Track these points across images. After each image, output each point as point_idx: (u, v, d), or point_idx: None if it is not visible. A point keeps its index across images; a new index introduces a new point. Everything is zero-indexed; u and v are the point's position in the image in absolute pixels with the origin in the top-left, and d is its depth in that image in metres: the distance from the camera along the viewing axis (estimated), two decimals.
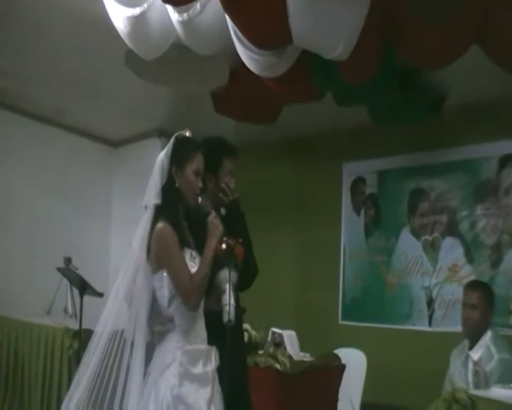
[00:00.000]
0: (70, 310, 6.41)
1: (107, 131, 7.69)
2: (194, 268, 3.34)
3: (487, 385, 4.30)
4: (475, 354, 4.64)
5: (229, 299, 3.48)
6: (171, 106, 6.73)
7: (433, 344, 6.28)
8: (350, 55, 4.27)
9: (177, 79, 5.35)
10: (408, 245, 6.80)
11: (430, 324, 6.54)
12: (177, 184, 3.44)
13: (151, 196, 3.42)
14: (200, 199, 3.49)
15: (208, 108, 5.79)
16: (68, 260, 6.27)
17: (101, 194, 7.78)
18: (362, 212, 7.22)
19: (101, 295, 5.76)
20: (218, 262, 3.45)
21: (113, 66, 5.56)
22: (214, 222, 3.46)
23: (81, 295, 5.96)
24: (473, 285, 5.06)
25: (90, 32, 5.11)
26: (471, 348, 4.71)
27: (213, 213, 3.50)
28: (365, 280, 7.12)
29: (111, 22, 4.56)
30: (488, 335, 4.66)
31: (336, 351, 6.13)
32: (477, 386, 4.47)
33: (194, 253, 3.42)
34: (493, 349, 4.57)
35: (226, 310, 3.49)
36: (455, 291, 6.26)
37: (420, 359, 6.28)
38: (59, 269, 6.19)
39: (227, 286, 3.51)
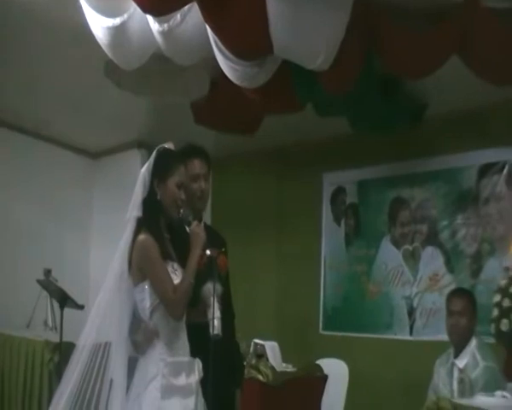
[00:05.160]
0: (50, 323, 6.34)
1: (87, 143, 7.63)
2: (176, 280, 3.32)
3: (472, 393, 4.30)
4: (461, 362, 4.64)
5: (213, 312, 3.47)
6: (151, 117, 6.69)
7: (414, 353, 6.29)
8: (330, 66, 4.29)
9: (157, 89, 5.33)
10: (388, 255, 6.80)
11: (411, 333, 6.54)
12: (158, 197, 3.43)
13: (133, 208, 3.42)
14: (182, 211, 3.48)
15: (189, 119, 5.78)
16: (48, 272, 6.20)
17: (82, 205, 7.72)
18: (342, 222, 7.21)
19: (81, 307, 5.71)
20: (201, 274, 3.43)
21: (93, 77, 5.51)
22: (196, 231, 3.46)
23: (61, 308, 5.89)
24: (457, 293, 5.07)
25: (70, 42, 5.05)
26: (456, 355, 4.71)
27: (195, 222, 3.50)
28: (346, 290, 7.10)
29: (91, 32, 4.53)
30: (473, 343, 4.67)
31: (318, 361, 6.12)
32: (462, 394, 4.48)
33: (175, 265, 3.41)
34: (479, 357, 4.58)
35: (213, 324, 3.48)
36: (436, 300, 6.28)
37: (402, 368, 6.29)
38: (39, 281, 6.12)
39: (211, 299, 3.50)
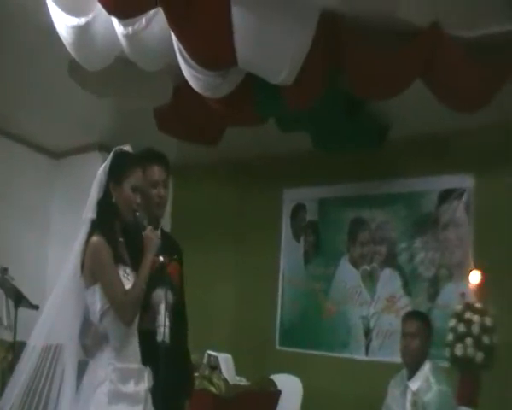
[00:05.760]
0: (5, 321, 6.25)
1: (49, 142, 7.54)
2: (128, 285, 3.30)
3: None
4: (414, 385, 4.65)
5: (163, 320, 3.45)
6: (114, 120, 6.66)
7: (369, 373, 6.30)
8: (294, 81, 4.30)
9: (120, 92, 5.30)
10: (347, 274, 6.83)
11: (367, 353, 6.57)
12: (113, 199, 3.40)
13: (88, 210, 3.39)
14: (137, 215, 3.46)
15: (152, 125, 5.74)
16: (4, 270, 6.12)
17: (41, 205, 7.62)
18: (302, 238, 7.22)
19: (35, 307, 5.65)
20: (152, 280, 3.41)
21: (57, 75, 5.45)
22: (150, 236, 3.43)
23: (16, 307, 5.86)
24: (412, 315, 5.10)
25: (35, 37, 5.01)
26: (410, 378, 4.72)
27: (149, 227, 3.47)
28: (303, 307, 7.10)
29: (56, 30, 4.50)
30: (427, 366, 4.68)
31: (272, 377, 6.12)
32: None
33: (128, 269, 3.38)
34: (432, 380, 4.59)
35: (160, 331, 3.45)
36: (392, 322, 6.30)
37: (356, 387, 6.30)
38: None
39: (162, 307, 3.48)
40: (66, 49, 4.59)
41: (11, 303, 6.02)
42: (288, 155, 6.99)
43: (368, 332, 6.59)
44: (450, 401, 4.54)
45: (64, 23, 4.39)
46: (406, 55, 4.33)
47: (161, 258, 3.46)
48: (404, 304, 6.34)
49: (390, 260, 6.56)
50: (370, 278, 6.66)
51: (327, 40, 4.24)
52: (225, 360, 5.68)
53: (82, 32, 4.38)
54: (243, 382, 5.76)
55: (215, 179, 7.77)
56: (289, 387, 6.08)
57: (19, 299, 5.87)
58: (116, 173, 3.43)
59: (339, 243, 6.91)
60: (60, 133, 7.22)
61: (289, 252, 7.29)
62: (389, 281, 6.54)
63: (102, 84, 5.10)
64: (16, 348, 5.55)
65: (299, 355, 6.93)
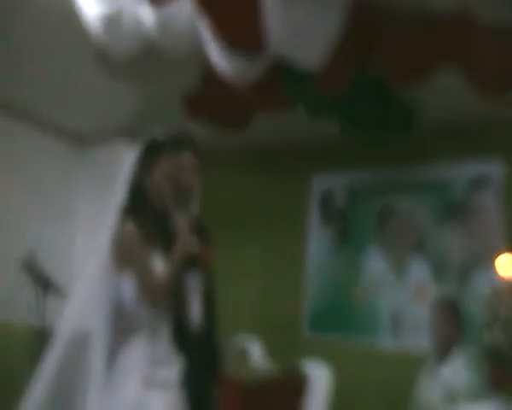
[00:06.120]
0: (34, 308, 6.26)
1: (75, 128, 7.50)
2: (159, 271, 3.29)
3: (456, 402, 4.30)
4: (446, 371, 4.64)
5: (195, 306, 3.45)
6: (140, 106, 6.65)
7: (398, 360, 6.27)
8: (324, 66, 4.27)
9: (147, 80, 5.31)
10: (376, 261, 6.79)
11: (396, 340, 6.53)
12: (144, 187, 3.40)
13: (118, 197, 3.39)
14: (167, 202, 3.45)
15: (179, 111, 5.72)
16: (32, 256, 6.10)
17: (67, 191, 7.58)
18: (330, 225, 7.20)
19: (64, 294, 5.66)
20: (183, 266, 3.39)
21: (83, 63, 5.44)
22: (182, 224, 3.42)
23: (44, 294, 5.87)
24: (443, 303, 5.09)
25: (61, 25, 4.99)
26: (440, 365, 4.71)
27: (180, 215, 3.46)
28: (332, 294, 7.06)
29: (83, 17, 4.51)
30: (458, 352, 4.67)
31: (300, 364, 6.10)
32: (446, 403, 4.48)
33: (159, 255, 3.37)
34: (463, 367, 4.59)
35: (192, 317, 3.46)
36: (421, 309, 6.26)
37: (384, 374, 6.25)
38: (23, 266, 6.04)
39: (193, 293, 3.48)
40: (90, 35, 4.58)
41: (40, 290, 6.06)
42: (316, 141, 6.93)
43: (397, 319, 6.55)
44: (482, 387, 4.52)
45: (94, 11, 4.39)
46: (436, 37, 4.29)
47: (193, 245, 3.43)
48: (434, 291, 6.28)
49: (419, 247, 6.53)
50: (399, 265, 6.62)
51: (357, 24, 4.21)
52: (253, 347, 5.68)
53: (112, 22, 4.39)
54: (271, 370, 5.74)
55: (242, 166, 7.73)
56: (317, 374, 6.05)
57: (47, 286, 5.89)
58: (146, 161, 3.43)
59: (368, 230, 6.87)
60: (86, 119, 7.20)
61: (318, 239, 7.25)
62: (418, 268, 6.51)
63: (129, 70, 5.09)
64: (45, 335, 5.57)
65: (326, 343, 6.89)
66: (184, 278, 3.50)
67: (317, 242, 7.27)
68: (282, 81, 4.85)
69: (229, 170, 7.76)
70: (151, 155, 3.45)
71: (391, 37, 4.33)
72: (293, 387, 5.72)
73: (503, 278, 5.35)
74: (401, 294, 6.57)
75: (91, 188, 7.47)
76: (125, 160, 3.46)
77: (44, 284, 5.92)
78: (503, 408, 4.22)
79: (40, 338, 5.67)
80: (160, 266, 3.34)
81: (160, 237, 3.47)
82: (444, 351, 4.77)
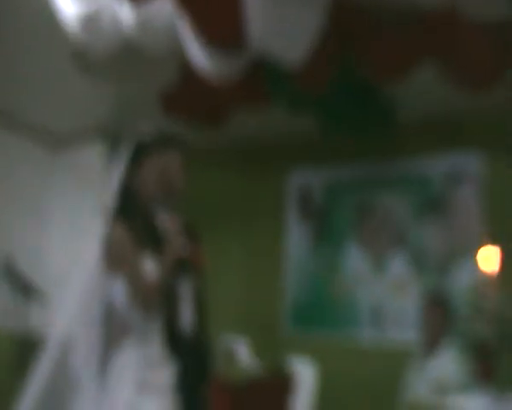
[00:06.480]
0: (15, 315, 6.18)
1: (51, 127, 7.39)
2: (149, 273, 3.26)
3: (445, 394, 4.33)
4: (434, 364, 4.67)
5: (186, 308, 3.42)
6: (117, 105, 6.58)
7: (380, 354, 6.31)
8: (305, 64, 4.27)
9: (124, 78, 5.27)
10: (355, 256, 6.82)
11: (377, 334, 6.57)
12: (133, 188, 3.37)
13: (107, 197, 3.35)
14: (154, 202, 3.42)
15: (156, 110, 5.68)
16: (9, 259, 6.01)
17: (42, 192, 7.50)
18: (309, 221, 7.20)
19: (45, 300, 5.62)
20: (174, 268, 3.37)
21: (59, 61, 5.39)
22: (170, 224, 3.39)
23: (24, 299, 5.82)
24: (431, 296, 5.13)
25: (38, 25, 4.97)
26: (428, 357, 4.74)
27: (169, 216, 3.43)
28: (312, 290, 7.08)
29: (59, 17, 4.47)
30: (446, 343, 4.70)
31: (286, 361, 6.11)
32: (435, 395, 4.50)
33: (149, 257, 3.34)
34: (451, 358, 4.62)
35: (183, 320, 3.43)
36: (402, 303, 6.31)
37: (367, 369, 6.27)
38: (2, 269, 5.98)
39: (184, 295, 3.45)
40: (68, 34, 4.55)
41: (20, 295, 5.95)
42: (294, 137, 6.95)
43: (377, 313, 6.58)
44: (470, 380, 4.56)
45: (72, 11, 4.35)
46: (418, 33, 4.31)
47: (184, 247, 3.41)
48: (414, 285, 6.33)
49: (399, 242, 6.56)
50: (379, 260, 6.65)
51: (339, 22, 4.22)
52: (240, 347, 5.67)
53: (90, 21, 4.35)
54: (258, 368, 5.74)
55: (220, 163, 7.70)
56: (300, 371, 6.07)
57: (27, 290, 5.81)
58: (134, 162, 3.39)
59: (347, 225, 6.90)
60: (61, 118, 7.11)
61: (297, 235, 7.26)
62: (398, 262, 6.54)
63: (106, 68, 5.05)
64: (30, 342, 5.50)
65: (307, 338, 6.92)
66: (176, 280, 3.47)
67: (297, 238, 7.27)
68: (263, 78, 4.84)
69: (207, 167, 7.71)
70: (138, 155, 3.41)
71: (372, 35, 4.34)
72: (279, 385, 5.73)
73: (484, 271, 5.40)
74: (381, 288, 6.61)
75: (67, 188, 7.39)
76: (104, 159, 3.41)
77: (24, 288, 5.83)
78: (491, 399, 4.25)
79: (24, 345, 5.62)
80: (150, 268, 3.31)
81: (150, 240, 3.44)
82: (431, 344, 4.80)
